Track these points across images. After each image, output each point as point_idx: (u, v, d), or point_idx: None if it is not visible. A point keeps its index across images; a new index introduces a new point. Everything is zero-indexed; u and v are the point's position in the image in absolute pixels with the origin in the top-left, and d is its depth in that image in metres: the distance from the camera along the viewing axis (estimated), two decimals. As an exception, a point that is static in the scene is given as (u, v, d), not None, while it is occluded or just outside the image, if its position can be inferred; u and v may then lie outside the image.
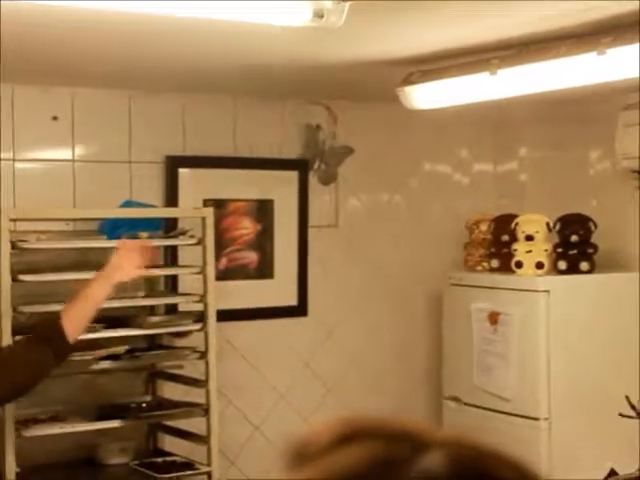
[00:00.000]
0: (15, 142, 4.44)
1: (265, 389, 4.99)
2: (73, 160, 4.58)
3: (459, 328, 4.97)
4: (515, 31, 3.48)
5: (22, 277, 3.92)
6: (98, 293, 3.56)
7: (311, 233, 5.11)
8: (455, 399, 5.00)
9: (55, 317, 3.52)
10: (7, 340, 3.82)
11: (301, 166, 5.07)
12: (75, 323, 3.51)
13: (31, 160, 4.51)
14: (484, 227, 5.15)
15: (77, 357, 4.04)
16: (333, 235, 5.20)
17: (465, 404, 4.92)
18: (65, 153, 4.57)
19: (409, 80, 4.11)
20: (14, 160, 4.45)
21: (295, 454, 0.83)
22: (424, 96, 4.14)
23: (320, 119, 5.10)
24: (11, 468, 3.76)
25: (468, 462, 0.79)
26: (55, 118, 4.53)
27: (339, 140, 5.13)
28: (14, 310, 3.86)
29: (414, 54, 3.81)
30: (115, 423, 4.17)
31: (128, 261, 3.61)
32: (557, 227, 4.89)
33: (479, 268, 5.12)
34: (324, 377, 5.15)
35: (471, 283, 4.97)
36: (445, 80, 3.99)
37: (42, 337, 3.49)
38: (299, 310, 5.09)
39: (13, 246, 3.89)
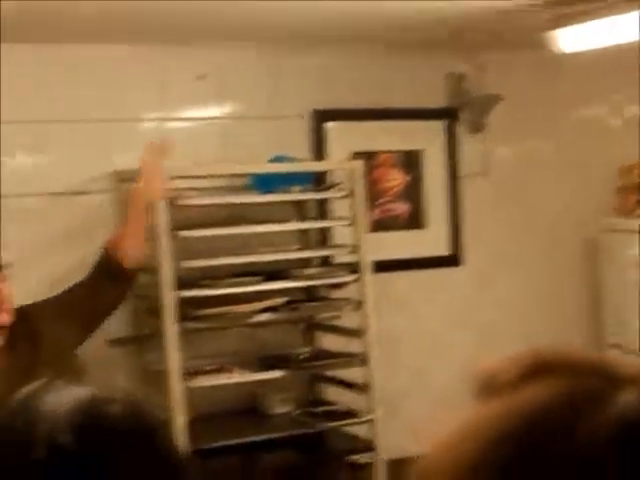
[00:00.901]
0: (165, 101, 4.51)
1: (420, 338, 4.99)
2: (222, 117, 4.64)
3: (617, 274, 4.88)
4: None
5: (181, 233, 3.99)
6: (139, 216, 3.55)
7: (461, 182, 5.07)
8: (618, 346, 4.90)
9: (107, 252, 3.49)
10: (169, 295, 3.90)
11: (449, 115, 5.03)
12: (130, 249, 3.47)
13: (181, 119, 4.57)
14: (638, 172, 5.02)
15: (238, 310, 4.12)
16: (483, 184, 5.14)
17: (629, 351, 4.82)
18: (214, 111, 4.62)
19: (556, 23, 4.01)
20: (165, 119, 4.53)
21: (482, 386, 0.81)
22: (572, 39, 4.04)
23: (466, 68, 5.04)
24: (180, 417, 3.85)
25: None
26: (202, 77, 4.58)
27: (486, 88, 5.06)
28: (174, 265, 3.94)
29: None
30: (277, 373, 4.24)
31: (153, 183, 3.59)
32: None
33: (635, 213, 4.99)
34: (478, 326, 5.12)
35: (627, 228, 4.86)
36: (594, 21, 3.88)
37: (103, 273, 3.47)
38: (452, 260, 5.06)
39: (170, 203, 3.96)
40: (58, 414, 1.16)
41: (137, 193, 3.55)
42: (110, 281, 3.44)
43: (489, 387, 0.80)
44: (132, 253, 3.47)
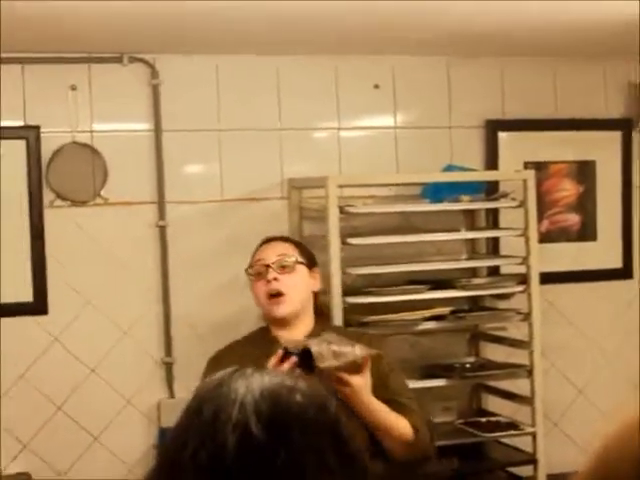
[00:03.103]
0: (339, 111, 4.62)
1: (589, 352, 4.92)
2: (395, 127, 4.70)
3: None
4: None
5: (350, 240, 4.08)
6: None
7: (636, 194, 4.99)
8: None
9: None
10: (337, 301, 3.98)
11: (624, 126, 4.95)
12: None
13: (355, 128, 4.66)
14: None
15: (403, 317, 4.18)
16: (658, 195, 5.04)
17: None
18: (387, 120, 4.69)
19: None
20: (339, 129, 4.63)
21: None
22: None
23: (644, 76, 4.95)
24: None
25: None
26: (377, 86, 4.66)
27: (664, 97, 4.95)
28: (342, 272, 4.03)
29: None
30: (440, 382, 4.28)
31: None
32: None
33: None
34: (648, 342, 5.02)
35: None
36: None
37: None
38: (624, 272, 4.97)
39: (341, 211, 4.05)
40: (245, 401, 1.23)
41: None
42: None
43: None
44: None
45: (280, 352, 3.02)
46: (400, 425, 3.24)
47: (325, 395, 1.31)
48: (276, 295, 3.42)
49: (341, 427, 1.28)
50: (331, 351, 3.02)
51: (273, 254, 3.45)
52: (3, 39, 3.84)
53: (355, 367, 3.10)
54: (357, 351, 3.08)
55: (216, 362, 3.42)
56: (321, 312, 3.56)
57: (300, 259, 3.46)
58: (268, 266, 3.41)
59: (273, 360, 3.01)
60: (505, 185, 4.57)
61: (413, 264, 4.31)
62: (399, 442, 3.25)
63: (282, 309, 3.40)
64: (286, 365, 2.98)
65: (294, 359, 2.99)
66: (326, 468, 1.22)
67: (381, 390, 3.27)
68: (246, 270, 3.50)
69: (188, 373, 4.22)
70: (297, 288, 3.42)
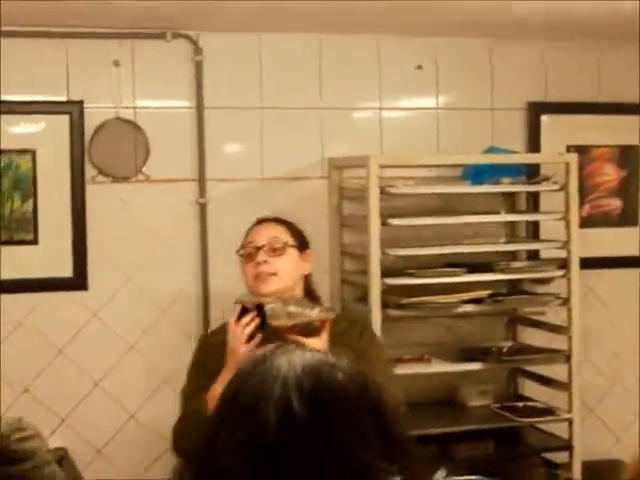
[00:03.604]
0: (381, 91, 4.60)
1: (624, 340, 4.89)
2: (437, 108, 4.68)
3: None
4: None
5: (391, 221, 4.07)
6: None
7: (678, 179, 4.95)
8: None
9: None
10: (376, 282, 3.98)
11: (668, 110, 4.90)
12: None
13: (397, 109, 4.65)
14: None
15: (441, 300, 4.17)
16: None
17: None
18: (429, 101, 4.67)
19: None
20: (381, 109, 4.61)
21: None
22: None
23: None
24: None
25: None
26: (419, 67, 4.64)
27: None
28: (382, 253, 4.02)
29: None
30: (477, 365, 4.27)
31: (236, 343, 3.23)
32: None
33: None
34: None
35: None
36: None
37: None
38: (664, 259, 4.94)
39: (382, 191, 4.04)
40: (288, 377, 1.25)
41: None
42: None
43: None
44: None
45: (239, 307, 3.12)
46: None
47: (365, 375, 1.31)
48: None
49: (383, 409, 1.28)
50: (286, 311, 3.07)
51: (264, 236, 3.41)
52: (47, 14, 3.86)
53: (311, 329, 3.11)
54: (314, 314, 3.10)
55: (204, 340, 3.50)
56: (312, 295, 3.51)
57: (291, 242, 3.41)
58: (259, 248, 3.38)
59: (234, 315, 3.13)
60: (546, 168, 4.54)
61: (452, 246, 4.29)
62: None
63: (268, 286, 3.34)
64: (245, 319, 3.10)
65: (253, 314, 3.10)
66: (367, 445, 1.22)
67: (360, 364, 3.24)
68: (237, 251, 3.47)
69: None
70: (287, 270, 3.37)
